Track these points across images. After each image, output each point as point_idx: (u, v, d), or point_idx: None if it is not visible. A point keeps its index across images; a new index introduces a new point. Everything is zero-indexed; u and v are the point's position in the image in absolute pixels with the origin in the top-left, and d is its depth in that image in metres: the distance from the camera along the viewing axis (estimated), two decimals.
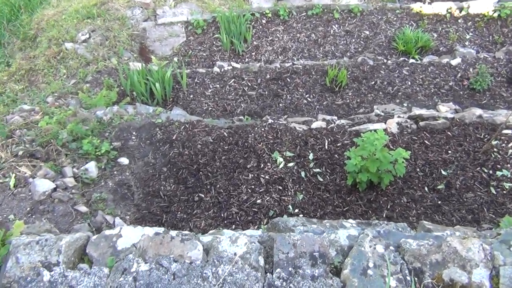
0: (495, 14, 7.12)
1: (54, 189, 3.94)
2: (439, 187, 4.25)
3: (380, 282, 1.66)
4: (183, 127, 4.89)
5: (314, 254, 1.77)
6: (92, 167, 4.30)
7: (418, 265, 1.69)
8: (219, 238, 1.90)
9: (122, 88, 5.80)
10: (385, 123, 4.89)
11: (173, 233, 1.97)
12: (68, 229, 3.71)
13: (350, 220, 2.55)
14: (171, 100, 5.78)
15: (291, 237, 1.81)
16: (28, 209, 3.74)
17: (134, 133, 4.81)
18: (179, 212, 4.21)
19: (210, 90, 5.87)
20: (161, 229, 2.00)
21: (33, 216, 3.70)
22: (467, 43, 6.90)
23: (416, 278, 1.65)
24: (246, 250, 1.83)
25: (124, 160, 4.54)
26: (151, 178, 4.45)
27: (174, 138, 4.77)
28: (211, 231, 2.33)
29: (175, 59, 6.69)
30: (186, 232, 1.99)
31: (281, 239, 1.81)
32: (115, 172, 4.42)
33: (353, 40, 6.95)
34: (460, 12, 7.22)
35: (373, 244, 1.76)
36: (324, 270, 1.71)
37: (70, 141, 4.44)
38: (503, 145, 4.53)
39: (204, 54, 6.79)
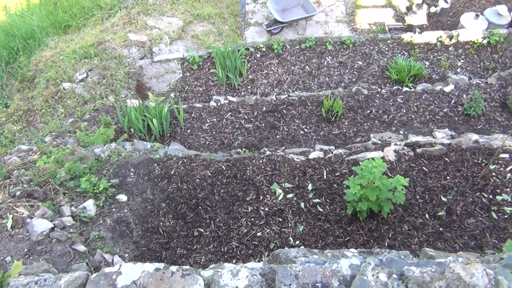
0: (485, 41, 7.28)
1: (52, 229, 3.90)
2: (440, 213, 4.23)
3: None
4: (181, 161, 4.89)
5: (316, 285, 1.74)
6: (90, 205, 4.27)
7: None
8: (220, 272, 1.87)
9: (120, 125, 5.83)
10: (382, 151, 4.90)
11: (173, 268, 1.94)
12: (66, 269, 3.64)
13: (352, 249, 2.52)
14: (169, 135, 5.81)
15: (293, 268, 1.78)
16: (26, 250, 3.68)
17: (132, 169, 4.81)
18: (178, 248, 4.16)
19: (207, 124, 5.92)
20: (161, 265, 1.97)
21: (31, 257, 3.65)
22: (459, 70, 7.02)
23: None
24: (248, 283, 1.80)
25: (122, 197, 4.51)
26: (149, 214, 4.42)
27: (172, 173, 4.77)
28: (211, 266, 2.30)
29: (172, 95, 6.76)
30: (187, 267, 1.96)
31: (282, 270, 1.78)
32: (113, 210, 4.38)
33: (347, 70, 7.07)
34: (450, 40, 7.38)
35: (375, 272, 1.73)
36: None
37: (68, 180, 4.43)
38: (501, 169, 4.54)
39: (201, 89, 6.87)
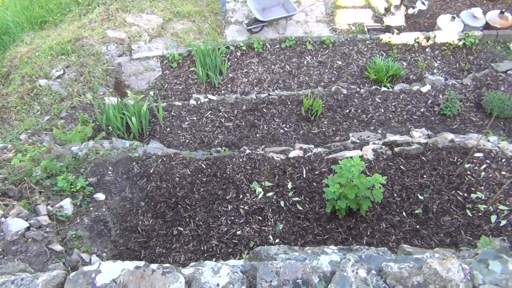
0: (460, 43, 7.44)
1: (28, 228, 3.82)
2: (416, 211, 4.30)
3: None
4: (160, 160, 4.85)
5: (297, 281, 1.76)
6: (67, 204, 4.20)
7: None
8: (201, 270, 1.86)
9: (98, 123, 5.74)
10: (361, 150, 4.97)
11: (154, 266, 1.92)
12: (42, 269, 3.57)
13: (332, 246, 2.55)
14: (148, 133, 5.75)
15: (274, 265, 1.79)
16: (0, 250, 3.60)
17: (110, 168, 4.75)
18: (157, 247, 4.13)
19: (187, 123, 5.88)
20: (141, 263, 1.95)
21: (5, 257, 3.56)
22: (435, 70, 7.15)
23: None
24: (229, 280, 1.80)
25: (100, 196, 4.45)
26: (128, 213, 4.37)
27: (151, 171, 4.72)
28: (192, 263, 2.29)
29: (151, 93, 6.70)
30: (167, 265, 1.95)
31: (263, 267, 1.78)
32: (91, 209, 4.32)
33: (326, 70, 7.12)
34: (427, 41, 7.52)
35: (355, 268, 1.76)
36: None
37: (44, 178, 4.34)
38: (476, 168, 4.65)
39: (180, 87, 6.83)
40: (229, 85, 6.85)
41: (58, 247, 3.79)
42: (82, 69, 6.63)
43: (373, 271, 1.73)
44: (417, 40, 7.52)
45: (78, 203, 4.30)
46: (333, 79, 6.99)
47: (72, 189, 4.32)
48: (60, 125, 5.59)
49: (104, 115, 5.59)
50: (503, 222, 4.15)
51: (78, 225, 4.14)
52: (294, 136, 5.74)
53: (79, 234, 4.00)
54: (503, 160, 4.72)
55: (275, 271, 1.78)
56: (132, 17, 8.08)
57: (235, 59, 7.23)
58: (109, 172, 4.70)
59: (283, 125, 5.88)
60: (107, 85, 6.66)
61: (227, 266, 1.85)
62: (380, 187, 4.01)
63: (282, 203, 4.41)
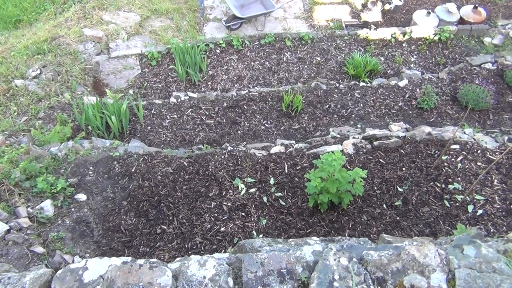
0: (436, 38, 7.59)
1: (8, 231, 3.76)
2: (396, 203, 4.40)
3: None
4: (142, 159, 4.83)
5: (281, 271, 1.80)
6: (47, 206, 4.15)
7: (380, 274, 1.75)
8: (187, 263, 1.89)
9: (77, 123, 5.68)
10: (341, 144, 5.04)
11: (140, 261, 1.94)
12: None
13: (314, 238, 2.60)
14: (128, 132, 5.71)
15: (259, 256, 1.83)
16: None
17: (91, 168, 4.70)
18: (141, 246, 4.12)
19: (167, 121, 5.86)
20: (128, 258, 1.96)
21: None
22: (412, 65, 7.29)
23: (379, 287, 1.71)
24: (215, 272, 1.83)
25: (81, 196, 4.41)
26: (110, 213, 4.34)
27: (133, 170, 4.70)
28: (178, 258, 2.31)
29: (131, 91, 6.64)
30: (154, 259, 1.97)
31: (248, 258, 1.82)
32: (72, 209, 4.28)
33: (306, 66, 7.18)
34: (404, 36, 7.64)
35: (337, 257, 1.81)
36: (292, 286, 1.74)
37: (23, 180, 4.28)
38: (453, 159, 4.77)
39: (160, 85, 6.79)
40: (209, 83, 6.84)
41: (39, 249, 3.75)
42: (60, 68, 6.53)
43: (354, 259, 1.78)
44: (394, 36, 7.64)
45: (59, 204, 4.25)
46: (312, 75, 7.05)
47: (52, 190, 4.27)
48: (38, 125, 5.50)
49: (83, 114, 5.52)
50: (480, 212, 4.28)
51: (59, 226, 4.10)
52: (275, 132, 5.79)
53: (61, 235, 3.96)
54: (479, 151, 4.85)
55: (260, 262, 1.82)
56: (109, 15, 7.99)
57: (215, 56, 7.23)
58: (90, 172, 4.66)
59: (264, 122, 5.91)
60: (85, 84, 6.58)
61: (213, 259, 1.88)
62: (361, 181, 4.08)
63: (265, 199, 4.44)
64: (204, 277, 1.82)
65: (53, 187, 4.29)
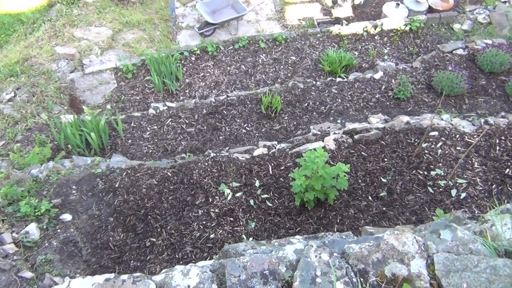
0: (407, 28, 7.72)
1: None
2: (381, 194, 4.45)
3: None
4: (125, 173, 4.80)
5: (264, 272, 1.81)
6: (33, 229, 4.09)
7: (362, 266, 1.78)
8: (171, 274, 1.89)
9: (56, 142, 5.61)
10: (323, 141, 5.08)
11: (124, 277, 1.93)
12: None
13: (297, 236, 2.62)
14: (109, 148, 5.67)
15: (241, 260, 1.84)
16: None
17: (74, 187, 4.65)
18: (132, 261, 4.09)
19: (148, 133, 5.83)
20: (111, 275, 1.95)
21: None
22: (386, 57, 7.39)
23: (361, 279, 1.73)
24: (199, 280, 1.83)
25: (67, 217, 4.36)
26: (97, 230, 4.30)
27: (117, 185, 4.67)
28: (164, 270, 2.31)
29: (108, 106, 6.59)
30: (137, 274, 1.96)
31: (231, 263, 1.83)
32: (58, 231, 4.22)
33: (282, 66, 7.23)
34: (376, 29, 7.75)
35: (318, 253, 1.83)
36: (276, 286, 1.75)
37: (5, 205, 4.22)
38: (433, 146, 4.85)
39: (138, 98, 6.75)
40: (187, 91, 6.83)
41: (28, 274, 3.69)
42: (34, 89, 6.45)
43: (335, 254, 1.81)
44: (365, 29, 7.73)
45: (45, 227, 4.20)
46: (289, 74, 7.10)
47: (36, 213, 4.21)
48: (17, 148, 5.42)
49: (61, 134, 5.46)
50: (463, 195, 4.36)
51: (47, 249, 4.04)
52: (257, 134, 5.80)
53: (49, 258, 3.91)
54: (457, 136, 4.94)
55: (242, 266, 1.83)
56: (81, 31, 7.93)
57: (190, 64, 7.22)
58: (73, 191, 4.61)
59: (245, 125, 5.93)
60: (61, 103, 6.51)
61: (196, 267, 1.88)
62: (344, 175, 4.12)
63: (251, 202, 4.45)
64: (188, 286, 1.82)
65: (37, 209, 4.23)
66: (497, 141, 4.85)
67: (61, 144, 5.50)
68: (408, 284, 1.63)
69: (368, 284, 1.69)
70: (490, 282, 1.48)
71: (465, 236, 1.72)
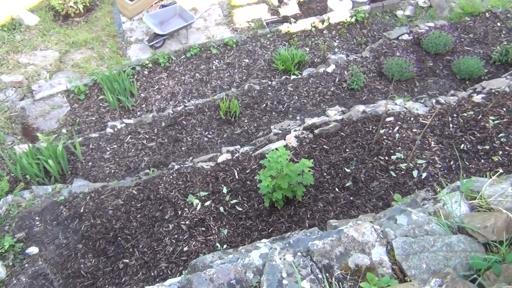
0: (353, 19, 7.91)
1: None
2: (347, 184, 4.54)
3: None
4: (88, 197, 4.69)
5: (231, 282, 1.82)
6: None
7: (326, 262, 1.82)
8: None
9: (13, 174, 5.41)
10: (284, 139, 5.13)
11: None
12: None
13: (264, 240, 2.64)
14: (70, 173, 5.51)
15: (207, 273, 1.84)
16: None
17: (37, 218, 4.51)
18: (107, 286, 4.00)
19: (108, 153, 5.71)
20: None
21: None
22: (336, 50, 7.54)
23: (327, 274, 1.77)
24: None
25: (33, 250, 4.22)
26: (67, 259, 4.18)
27: (82, 211, 4.55)
28: None
29: (64, 130, 6.42)
30: None
31: (197, 278, 1.83)
32: (26, 265, 4.08)
33: (236, 70, 7.25)
34: (323, 24, 7.90)
35: (282, 255, 1.86)
36: None
37: None
38: (390, 131, 4.99)
39: (93, 118, 6.61)
40: (144, 105, 6.75)
41: None
42: None
43: (299, 253, 1.84)
44: (313, 25, 7.87)
45: (11, 263, 4.05)
46: (244, 77, 7.13)
47: (0, 251, 4.06)
48: None
49: (17, 165, 5.27)
50: (424, 175, 4.51)
51: (15, 286, 3.90)
52: (219, 141, 5.80)
53: None
54: (412, 118, 5.11)
55: (209, 279, 1.83)
56: (26, 57, 7.68)
57: (144, 78, 7.13)
58: (37, 223, 4.47)
59: (206, 133, 5.91)
60: (14, 133, 6.29)
61: (163, 287, 1.86)
62: (309, 170, 4.18)
63: (221, 209, 4.44)
64: None
65: (0, 247, 4.07)
66: (450, 119, 5.04)
67: (18, 175, 5.31)
68: (371, 273, 1.68)
69: (333, 278, 1.73)
70: (447, 259, 1.55)
71: (419, 219, 1.78)
